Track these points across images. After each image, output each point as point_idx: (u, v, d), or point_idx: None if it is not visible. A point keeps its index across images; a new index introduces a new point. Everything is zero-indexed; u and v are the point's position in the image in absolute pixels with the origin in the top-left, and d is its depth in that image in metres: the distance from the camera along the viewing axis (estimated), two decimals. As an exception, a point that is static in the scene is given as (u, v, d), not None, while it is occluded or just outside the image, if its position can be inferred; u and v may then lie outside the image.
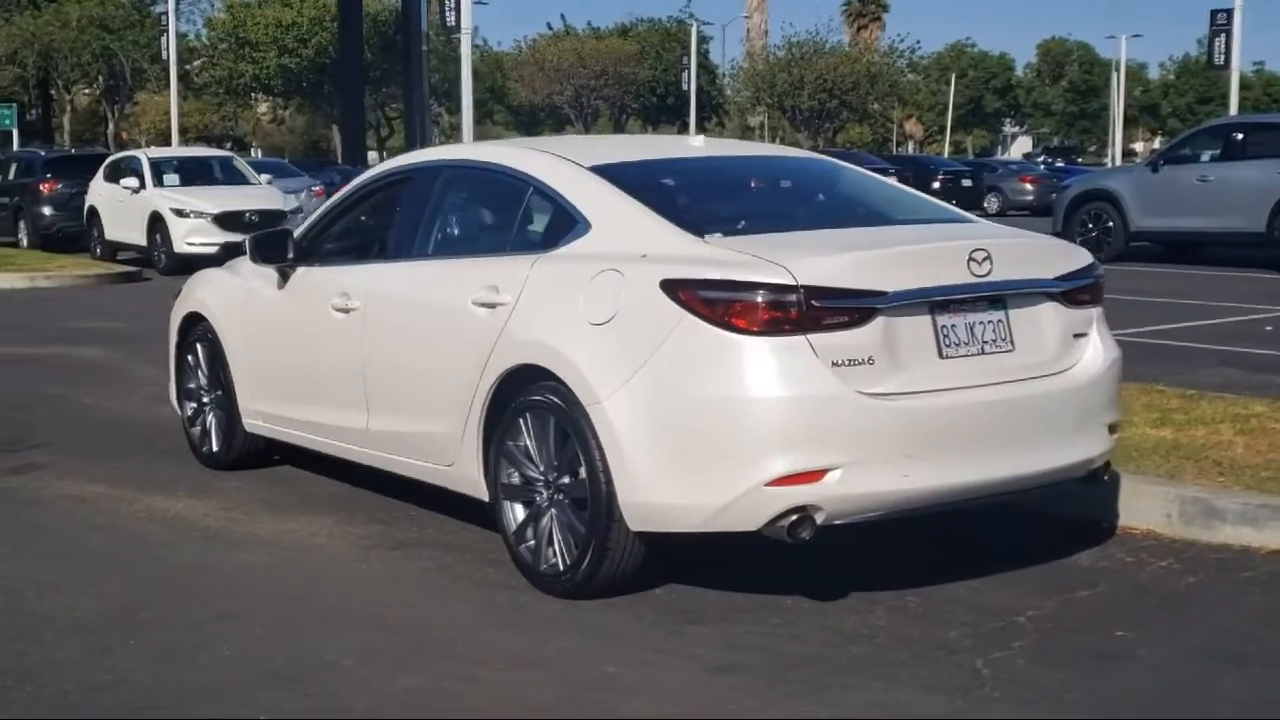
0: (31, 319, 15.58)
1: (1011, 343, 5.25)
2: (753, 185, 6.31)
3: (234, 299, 7.41)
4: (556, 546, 5.33)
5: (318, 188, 28.20)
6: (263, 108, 78.94)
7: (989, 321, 5.20)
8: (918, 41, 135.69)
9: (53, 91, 56.74)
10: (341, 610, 5.29)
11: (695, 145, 6.28)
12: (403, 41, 42.50)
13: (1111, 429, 5.57)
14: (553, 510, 5.37)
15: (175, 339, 7.92)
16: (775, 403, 4.81)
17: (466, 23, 30.77)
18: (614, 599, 5.29)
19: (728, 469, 4.84)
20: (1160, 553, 5.94)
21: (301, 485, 7.27)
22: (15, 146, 47.54)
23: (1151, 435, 7.10)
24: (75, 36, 51.33)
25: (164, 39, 46.57)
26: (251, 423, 7.29)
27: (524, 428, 5.43)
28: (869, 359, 4.88)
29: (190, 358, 7.76)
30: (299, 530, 6.41)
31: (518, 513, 5.52)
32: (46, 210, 25.74)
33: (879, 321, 4.91)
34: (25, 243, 25.97)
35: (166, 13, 45.50)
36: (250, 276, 7.24)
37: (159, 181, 22.42)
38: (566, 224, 5.57)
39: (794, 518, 4.84)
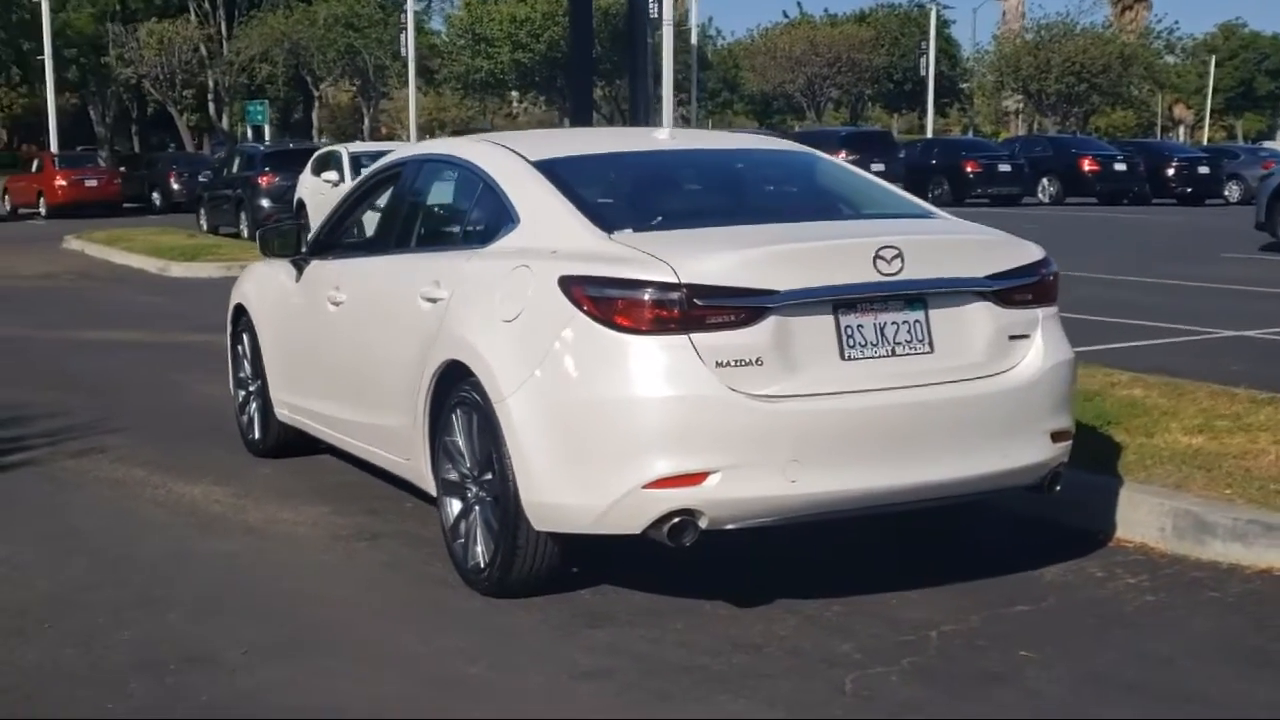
0: (205, 307, 16.23)
1: (930, 344, 5.00)
2: (700, 179, 6.17)
3: (267, 291, 7.63)
4: (480, 544, 5.34)
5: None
6: (513, 100, 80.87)
7: (904, 322, 4.97)
8: (1175, 22, 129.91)
9: (315, 90, 59.27)
10: (267, 600, 5.39)
11: (660, 138, 6.18)
12: (629, 33, 42.94)
13: (1057, 436, 5.25)
14: (477, 507, 5.38)
15: (229, 329, 8.21)
16: (653, 403, 4.71)
17: (668, 13, 30.93)
18: (535, 598, 5.27)
19: (610, 470, 4.77)
20: (1138, 568, 5.59)
21: (324, 474, 7.43)
22: (267, 141, 49.98)
23: (1180, 442, 6.66)
24: (323, 35, 53.55)
25: (403, 36, 48.18)
26: (280, 411, 7.51)
27: (455, 424, 5.45)
28: (757, 360, 4.73)
29: (239, 348, 8.04)
30: (289, 519, 6.56)
31: (453, 508, 5.55)
32: (264, 202, 26.84)
33: (771, 321, 4.75)
34: (246, 234, 27.21)
35: (408, 11, 47.06)
36: (280, 269, 7.45)
37: (356, 175, 23.18)
38: (503, 219, 5.57)
39: (676, 521, 4.73)
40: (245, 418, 8.00)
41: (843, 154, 32.51)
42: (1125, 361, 9.77)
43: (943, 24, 66.36)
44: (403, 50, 48.40)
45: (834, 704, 4.28)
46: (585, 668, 4.61)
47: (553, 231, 5.26)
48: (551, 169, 5.61)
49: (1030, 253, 5.30)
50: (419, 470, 5.84)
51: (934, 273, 5.02)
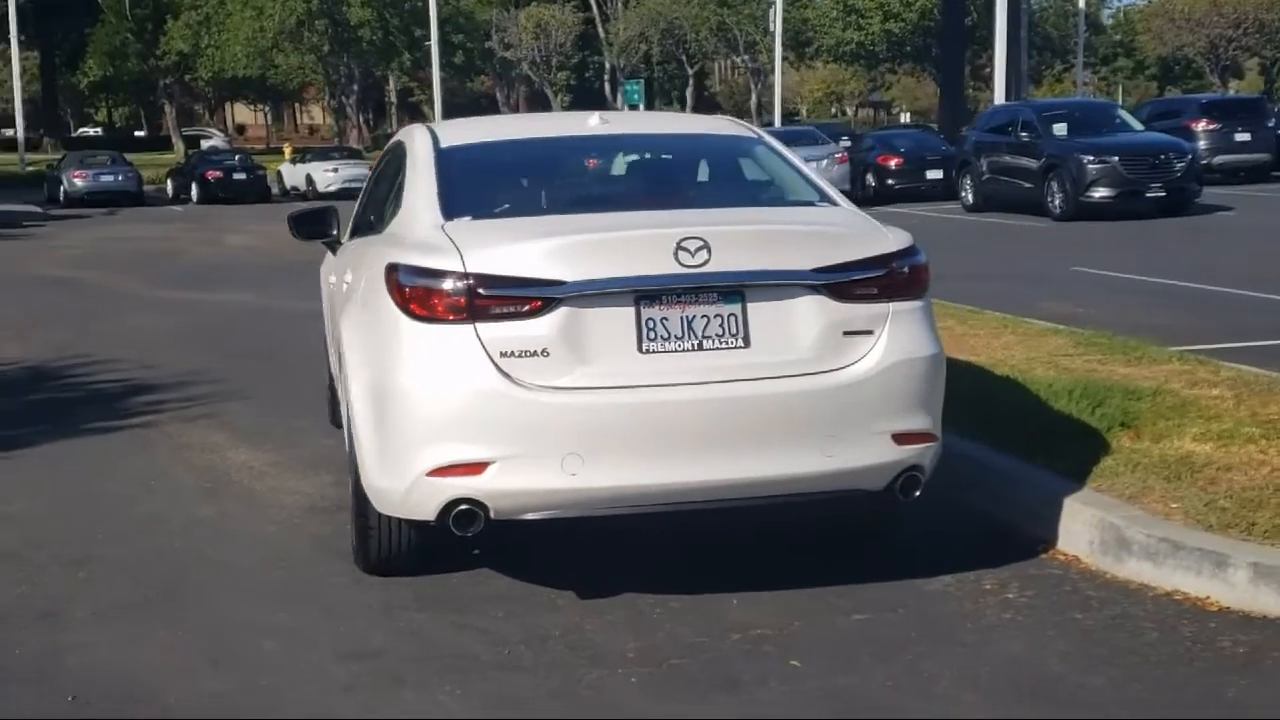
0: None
1: (745, 339, 4.80)
2: (590, 167, 6.09)
3: (328, 272, 8.03)
4: (353, 524, 5.51)
5: (840, 155, 28.48)
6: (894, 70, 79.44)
7: (716, 315, 4.79)
8: None
9: (689, 69, 60.39)
10: (174, 566, 5.72)
11: (590, 124, 6.07)
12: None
13: (903, 438, 4.93)
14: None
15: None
16: (433, 391, 4.76)
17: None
18: (406, 578, 5.38)
19: (402, 456, 4.85)
20: (1035, 584, 5.21)
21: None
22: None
23: (1180, 449, 6.07)
24: (696, 13, 54.60)
25: (770, 12, 48.48)
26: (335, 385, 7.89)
27: (349, 406, 5.64)
28: (543, 351, 4.69)
29: (325, 324, 8.49)
30: (291, 489, 6.92)
31: (351, 486, 5.73)
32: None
33: (561, 312, 4.70)
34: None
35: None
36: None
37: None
38: (399, 205, 5.70)
39: (461, 509, 4.76)
40: (329, 391, 8.45)
41: (1202, 123, 30.44)
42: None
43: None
44: (771, 25, 48.69)
45: (549, 701, 4.25)
46: (366, 648, 4.72)
47: (412, 218, 5.37)
48: (449, 155, 5.70)
49: (880, 244, 4.99)
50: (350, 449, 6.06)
51: (748, 265, 4.81)
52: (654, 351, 4.75)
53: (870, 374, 4.87)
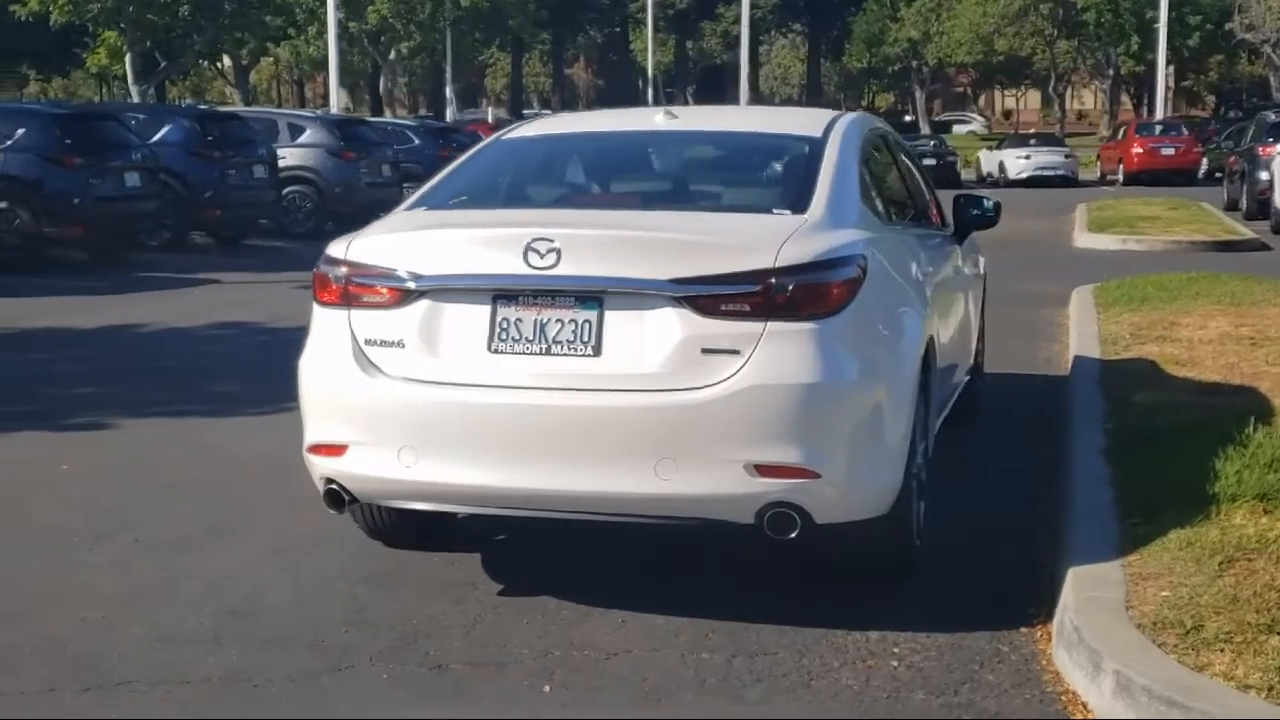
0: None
1: (597, 348, 4.54)
2: (602, 164, 5.88)
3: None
4: None
5: None
6: None
7: (571, 321, 4.57)
8: None
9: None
10: (243, 515, 6.20)
11: (655, 120, 5.78)
12: None
13: (767, 470, 4.41)
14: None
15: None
16: (310, 372, 4.98)
17: None
18: (398, 551, 5.57)
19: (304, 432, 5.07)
20: (948, 657, 4.54)
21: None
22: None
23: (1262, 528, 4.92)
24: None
25: None
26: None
27: None
28: (399, 342, 4.73)
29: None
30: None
31: None
32: (1262, 174, 25.07)
33: (421, 305, 4.72)
34: (1244, 207, 25.60)
35: None
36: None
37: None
38: None
39: (330, 488, 4.92)
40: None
41: None
42: None
43: None
44: None
45: (281, 682, 4.37)
46: (247, 607, 5.03)
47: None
48: (492, 147, 5.85)
49: (760, 258, 4.47)
50: None
51: (602, 270, 4.54)
52: (502, 352, 4.65)
53: (724, 396, 4.42)
